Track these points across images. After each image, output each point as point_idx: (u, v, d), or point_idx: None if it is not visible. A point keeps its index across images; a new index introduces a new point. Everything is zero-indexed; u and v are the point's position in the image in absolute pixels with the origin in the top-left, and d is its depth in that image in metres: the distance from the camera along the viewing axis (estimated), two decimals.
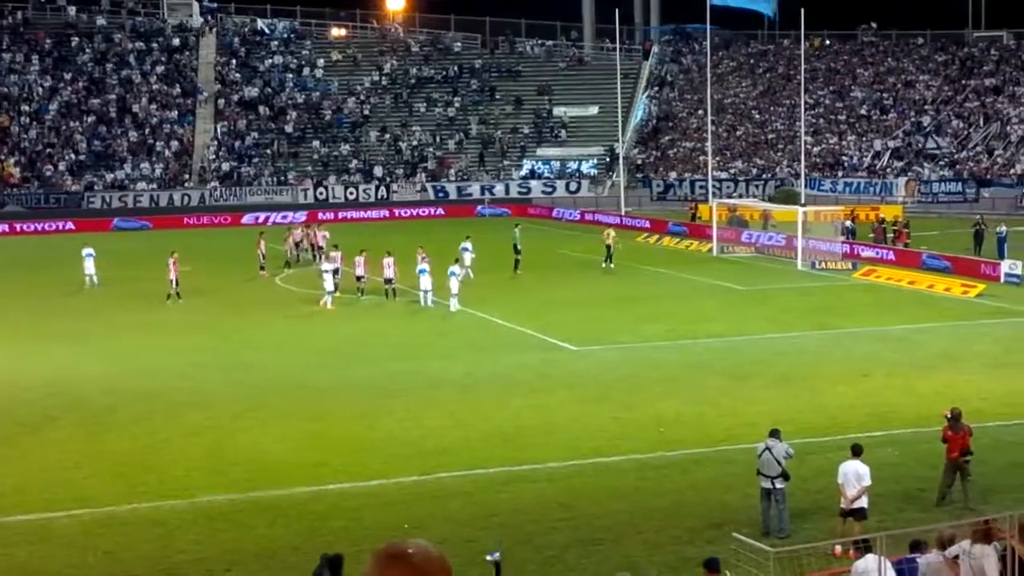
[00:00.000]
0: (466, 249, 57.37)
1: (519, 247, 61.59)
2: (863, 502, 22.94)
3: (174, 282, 52.94)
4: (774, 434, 23.87)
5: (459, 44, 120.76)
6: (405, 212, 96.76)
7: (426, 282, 50.48)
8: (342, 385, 37.01)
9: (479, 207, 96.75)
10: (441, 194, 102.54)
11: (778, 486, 23.39)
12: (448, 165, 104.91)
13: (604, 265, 62.04)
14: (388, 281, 52.73)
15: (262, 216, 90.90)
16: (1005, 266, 55.70)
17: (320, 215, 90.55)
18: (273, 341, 44.69)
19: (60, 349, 43.68)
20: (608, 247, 62.45)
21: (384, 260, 52.94)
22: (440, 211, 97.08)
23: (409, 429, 31.53)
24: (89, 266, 58.27)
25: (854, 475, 22.96)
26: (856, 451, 23.44)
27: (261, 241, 61.78)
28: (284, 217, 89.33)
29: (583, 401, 34.34)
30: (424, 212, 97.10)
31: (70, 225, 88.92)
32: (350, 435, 31.09)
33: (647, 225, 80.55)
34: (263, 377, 38.24)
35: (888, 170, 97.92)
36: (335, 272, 52.76)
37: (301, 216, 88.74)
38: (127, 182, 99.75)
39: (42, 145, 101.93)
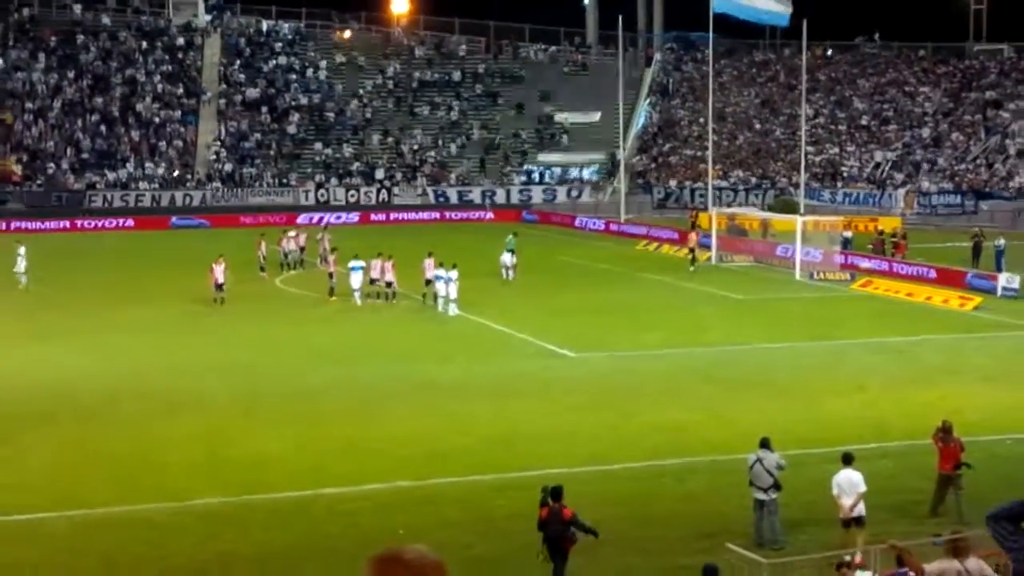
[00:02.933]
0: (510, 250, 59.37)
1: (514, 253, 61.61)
2: (861, 509, 23.09)
3: (218, 286, 52.58)
4: (764, 444, 23.95)
5: (463, 48, 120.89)
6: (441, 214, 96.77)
7: (442, 288, 50.66)
8: (339, 388, 37.11)
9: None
10: (442, 198, 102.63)
11: (771, 496, 23.49)
12: (442, 177, 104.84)
13: (691, 269, 63.91)
14: (388, 284, 52.91)
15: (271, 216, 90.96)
16: (1003, 279, 55.77)
17: (326, 218, 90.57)
18: (271, 343, 44.78)
19: (57, 348, 43.72)
20: (692, 250, 65.03)
21: (384, 263, 53.12)
22: (484, 214, 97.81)
23: (406, 433, 31.58)
24: (20, 265, 57.70)
25: (848, 484, 23.11)
26: (847, 459, 23.60)
27: (261, 242, 61.78)
28: (303, 219, 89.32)
29: (580, 408, 34.43)
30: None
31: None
32: (346, 439, 31.17)
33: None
34: (260, 379, 38.34)
35: (888, 181, 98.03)
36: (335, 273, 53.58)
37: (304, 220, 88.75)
38: (129, 181, 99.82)
39: (45, 143, 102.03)
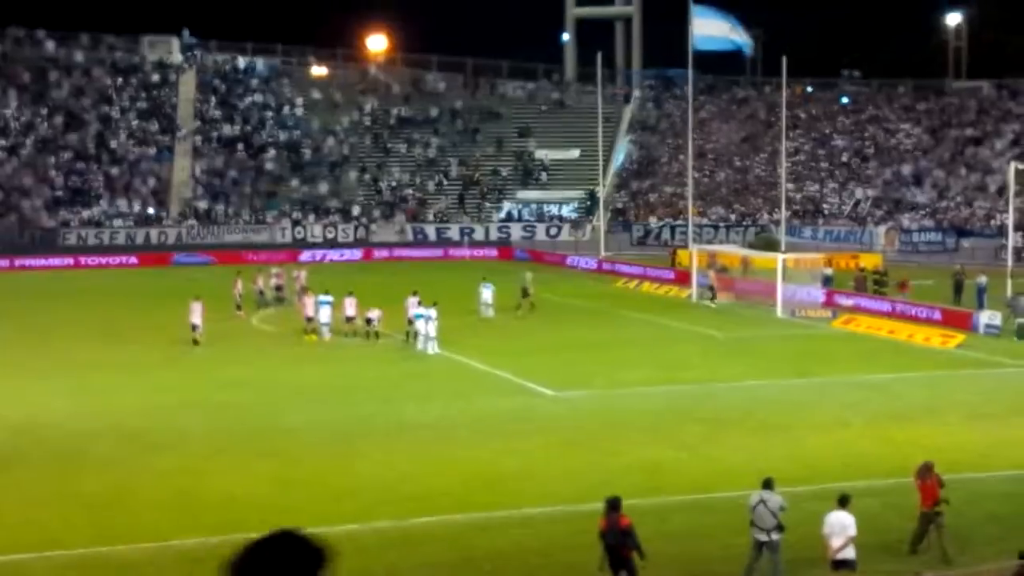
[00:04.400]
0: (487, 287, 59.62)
1: (529, 291, 62.24)
2: (849, 552, 22.71)
3: (193, 327, 52.09)
4: (767, 485, 23.51)
5: (441, 85, 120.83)
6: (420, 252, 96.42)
7: (421, 326, 50.29)
8: (317, 427, 36.73)
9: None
10: (420, 235, 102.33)
11: (774, 538, 23.08)
12: (411, 213, 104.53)
13: (713, 304, 64.47)
14: (368, 322, 52.52)
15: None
16: (984, 317, 55.64)
17: (301, 256, 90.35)
18: (247, 381, 44.34)
19: (30, 386, 43.28)
20: (711, 288, 65.33)
21: (357, 301, 52.89)
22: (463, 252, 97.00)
23: (385, 473, 31.26)
24: None
25: (839, 525, 22.74)
26: (843, 502, 23.20)
27: (237, 281, 61.41)
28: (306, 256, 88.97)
29: (561, 446, 34.10)
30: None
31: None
32: (324, 478, 30.79)
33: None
34: (236, 418, 37.95)
35: (868, 218, 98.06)
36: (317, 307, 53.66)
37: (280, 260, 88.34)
38: (103, 219, 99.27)
39: (18, 180, 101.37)
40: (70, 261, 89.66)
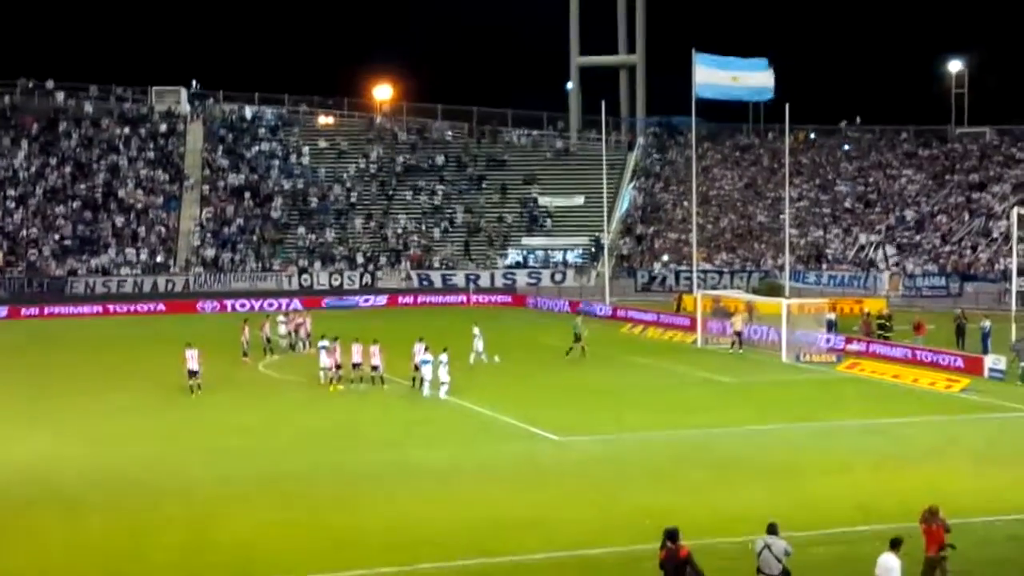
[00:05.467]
0: (476, 336, 59.14)
1: (581, 335, 62.95)
2: None
3: (191, 373, 52.03)
4: (772, 530, 23.52)
5: (447, 133, 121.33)
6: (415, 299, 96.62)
7: (428, 372, 50.47)
8: (322, 473, 36.74)
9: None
10: (426, 282, 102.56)
11: None
12: (416, 259, 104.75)
13: (733, 350, 64.34)
14: (375, 368, 52.58)
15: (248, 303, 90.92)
16: (989, 361, 55.68)
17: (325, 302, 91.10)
18: (254, 428, 44.42)
19: (37, 434, 43.35)
20: (738, 333, 65.27)
21: (370, 347, 52.87)
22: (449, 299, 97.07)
23: (388, 518, 31.25)
24: None
25: (883, 568, 22.67)
26: (894, 544, 23.02)
27: (244, 327, 61.64)
28: (271, 305, 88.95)
29: (566, 492, 34.11)
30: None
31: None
32: (329, 524, 30.79)
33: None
34: (244, 465, 37.96)
35: (872, 263, 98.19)
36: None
37: (289, 305, 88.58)
38: (111, 267, 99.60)
39: (26, 229, 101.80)
40: (99, 309, 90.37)
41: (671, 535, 22.72)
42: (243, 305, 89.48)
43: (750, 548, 23.82)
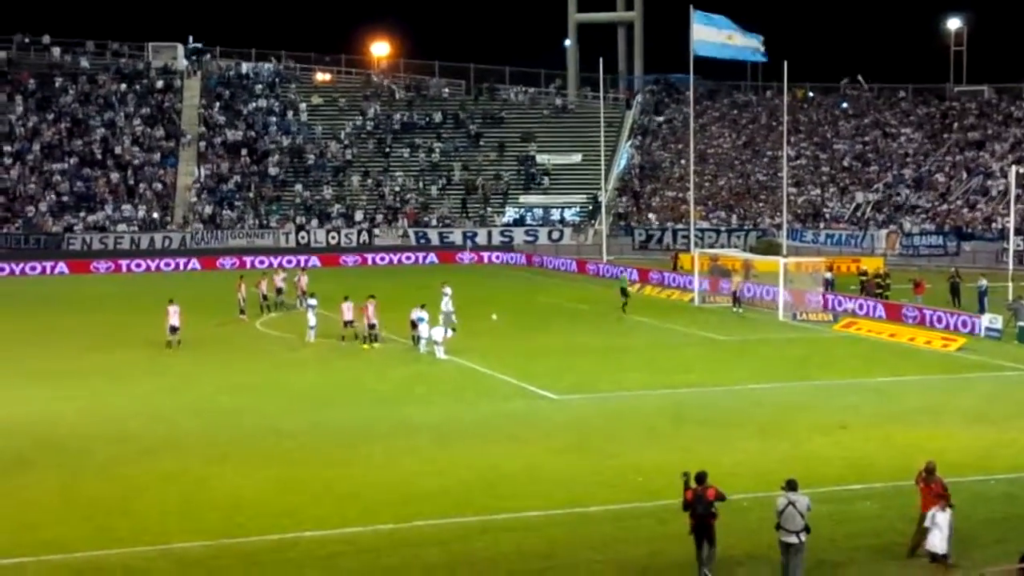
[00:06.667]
0: (445, 294, 56.86)
1: (627, 290, 64.87)
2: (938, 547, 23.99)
3: (172, 329, 52.33)
4: (792, 486, 23.56)
5: (444, 91, 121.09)
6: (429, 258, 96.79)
7: (424, 330, 50.59)
8: (319, 431, 36.83)
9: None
10: (423, 240, 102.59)
11: (802, 539, 23.16)
12: (413, 217, 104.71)
13: (736, 309, 64.37)
14: (372, 327, 52.63)
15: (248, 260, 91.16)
16: (985, 320, 55.74)
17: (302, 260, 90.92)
18: (250, 385, 44.48)
19: (34, 391, 43.41)
20: (735, 293, 65.32)
21: (367, 304, 52.92)
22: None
23: (386, 476, 31.35)
24: None
25: (932, 522, 24.12)
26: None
27: (241, 285, 61.61)
28: (263, 262, 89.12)
29: (562, 450, 34.19)
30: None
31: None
32: (326, 481, 30.86)
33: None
34: (239, 422, 38.06)
35: (870, 222, 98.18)
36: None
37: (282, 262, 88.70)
38: (108, 224, 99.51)
39: (23, 186, 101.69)
40: (97, 265, 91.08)
41: (699, 478, 24.02)
42: (233, 264, 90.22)
43: (772, 506, 23.78)
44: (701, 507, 23.75)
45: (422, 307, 51.56)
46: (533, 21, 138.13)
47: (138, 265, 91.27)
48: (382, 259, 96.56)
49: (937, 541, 24.04)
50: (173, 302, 52.84)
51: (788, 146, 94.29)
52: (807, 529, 23.21)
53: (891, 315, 59.85)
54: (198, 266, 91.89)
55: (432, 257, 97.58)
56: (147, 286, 78.96)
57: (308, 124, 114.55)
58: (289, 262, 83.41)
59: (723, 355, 51.51)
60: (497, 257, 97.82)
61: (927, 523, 23.64)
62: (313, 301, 55.45)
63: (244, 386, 44.38)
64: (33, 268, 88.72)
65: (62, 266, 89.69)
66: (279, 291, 64.71)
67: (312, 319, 53.75)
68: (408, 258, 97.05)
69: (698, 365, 48.61)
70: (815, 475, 30.65)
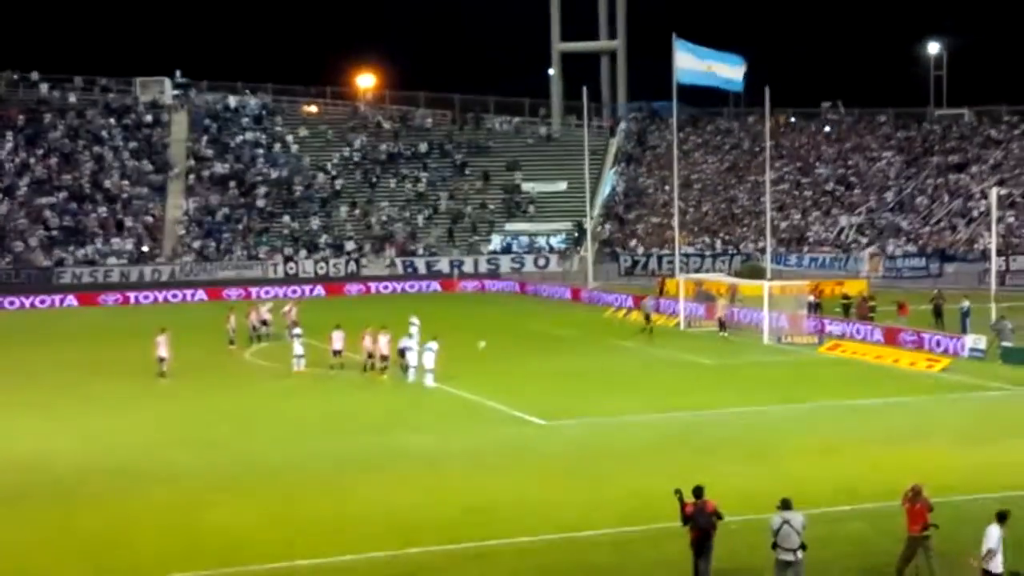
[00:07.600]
0: (413, 324, 57.13)
1: (649, 315, 65.86)
2: (991, 565, 23.08)
3: (160, 360, 52.82)
4: (787, 505, 23.84)
5: (429, 121, 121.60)
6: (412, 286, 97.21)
7: (413, 358, 50.93)
8: (312, 460, 36.97)
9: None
10: (410, 269, 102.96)
11: (799, 557, 23.47)
12: (400, 247, 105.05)
13: (727, 334, 64.43)
14: (384, 358, 52.70)
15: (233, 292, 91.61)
16: (969, 341, 56.13)
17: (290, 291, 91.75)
18: (241, 416, 44.71)
19: (29, 423, 43.60)
20: (720, 320, 65.65)
21: (380, 336, 53.23)
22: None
23: (379, 504, 31.49)
24: None
25: (988, 538, 23.10)
26: (1001, 517, 23.38)
27: (231, 316, 61.97)
28: (266, 293, 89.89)
29: (553, 475, 34.42)
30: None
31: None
32: (320, 511, 31.00)
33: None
34: (232, 452, 38.22)
35: (853, 245, 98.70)
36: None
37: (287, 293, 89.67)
38: (97, 257, 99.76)
39: (13, 221, 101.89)
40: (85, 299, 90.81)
41: (696, 492, 24.58)
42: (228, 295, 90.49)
43: (768, 526, 24.01)
44: (703, 519, 24.19)
45: (410, 335, 51.93)
46: (517, 51, 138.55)
47: (128, 298, 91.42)
48: (385, 287, 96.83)
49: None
50: (164, 331, 53.31)
51: (771, 171, 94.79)
52: (803, 546, 23.49)
53: (888, 339, 59.81)
54: (188, 298, 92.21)
55: (435, 285, 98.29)
56: (136, 318, 79.17)
57: (295, 156, 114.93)
58: (294, 292, 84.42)
59: (710, 379, 51.83)
60: (493, 284, 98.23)
61: (991, 544, 23.37)
62: (298, 330, 55.92)
63: (235, 416, 44.60)
64: (21, 303, 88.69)
65: (54, 299, 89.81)
66: (264, 323, 64.93)
67: (298, 348, 54.02)
68: (412, 286, 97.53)
69: (685, 389, 48.91)
70: (804, 497, 30.70)
